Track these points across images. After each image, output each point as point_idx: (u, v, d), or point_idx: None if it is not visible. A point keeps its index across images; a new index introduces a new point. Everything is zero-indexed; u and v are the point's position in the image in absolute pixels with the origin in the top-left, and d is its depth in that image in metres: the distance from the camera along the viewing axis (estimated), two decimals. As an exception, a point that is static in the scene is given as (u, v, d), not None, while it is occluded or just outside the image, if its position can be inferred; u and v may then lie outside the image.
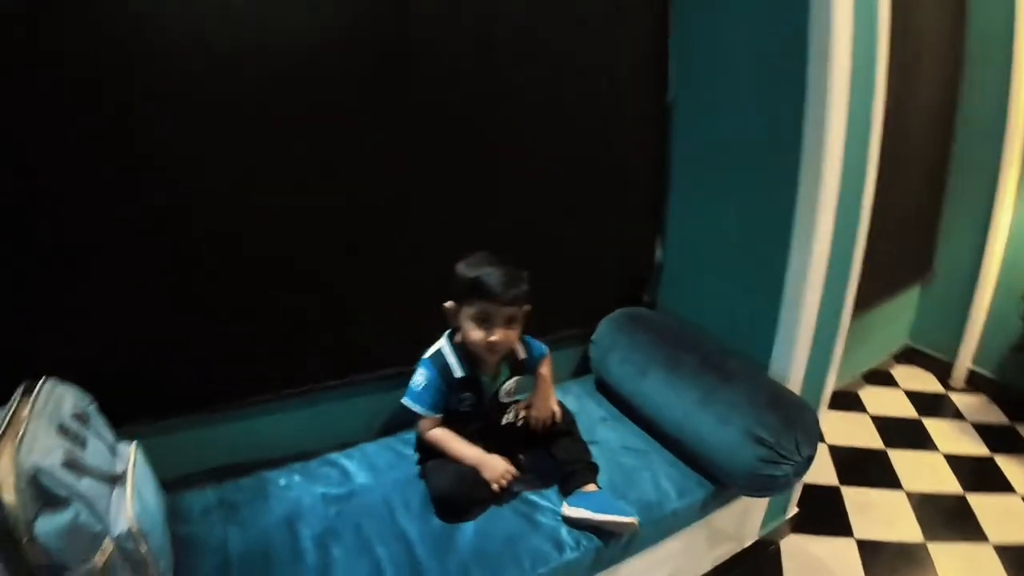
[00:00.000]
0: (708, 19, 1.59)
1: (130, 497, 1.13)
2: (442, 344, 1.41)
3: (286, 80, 1.32)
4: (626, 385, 1.68)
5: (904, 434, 2.32)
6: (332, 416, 1.61)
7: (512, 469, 1.35)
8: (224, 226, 1.37)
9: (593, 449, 1.55)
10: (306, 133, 1.37)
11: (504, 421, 1.46)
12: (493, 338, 1.32)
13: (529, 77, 1.57)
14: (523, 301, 1.33)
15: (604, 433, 1.64)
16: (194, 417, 1.48)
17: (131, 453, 1.24)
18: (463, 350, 1.38)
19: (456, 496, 1.32)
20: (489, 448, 1.40)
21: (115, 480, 1.15)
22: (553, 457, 1.43)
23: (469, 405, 1.40)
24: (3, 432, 1.04)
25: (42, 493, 1.02)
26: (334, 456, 1.54)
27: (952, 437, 2.30)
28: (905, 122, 2.11)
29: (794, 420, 1.37)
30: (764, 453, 1.33)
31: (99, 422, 1.25)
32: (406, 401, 1.40)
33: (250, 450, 1.54)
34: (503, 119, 1.58)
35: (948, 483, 2.07)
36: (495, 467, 1.34)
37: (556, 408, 1.46)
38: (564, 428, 1.46)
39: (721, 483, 1.45)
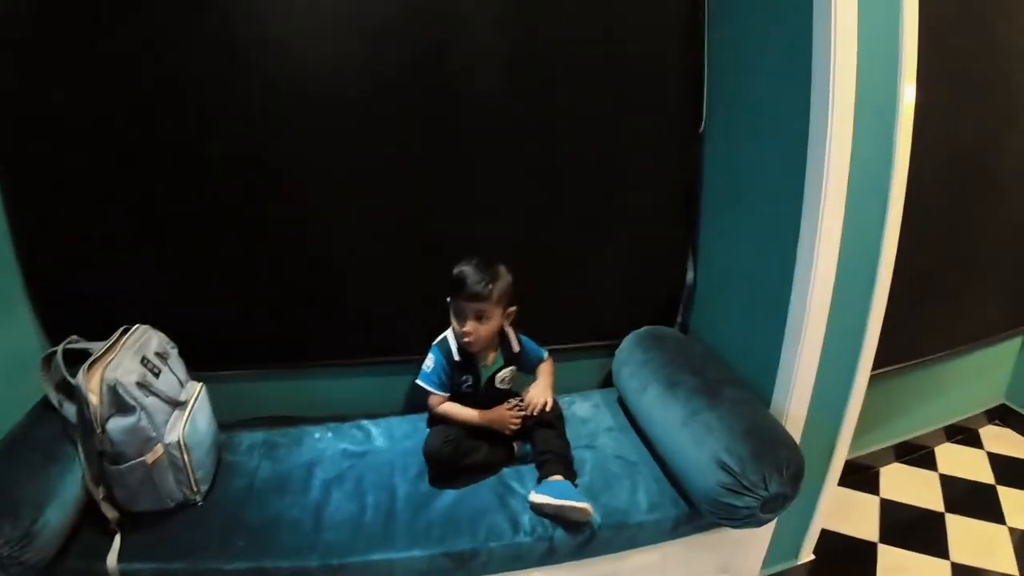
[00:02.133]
0: (739, 46, 1.64)
1: (185, 419, 1.47)
2: (447, 332, 1.62)
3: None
4: (631, 398, 1.77)
5: (972, 500, 2.12)
6: (370, 389, 1.89)
7: (514, 413, 1.60)
8: (302, 214, 1.71)
9: (587, 454, 1.67)
10: (380, 143, 1.68)
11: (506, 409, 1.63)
12: (463, 330, 1.53)
13: (570, 99, 1.73)
14: (487, 298, 1.50)
15: (604, 441, 1.74)
16: (257, 372, 1.84)
17: (196, 390, 1.58)
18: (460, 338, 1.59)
19: (439, 455, 1.52)
20: (486, 430, 1.60)
21: (177, 405, 1.50)
22: (533, 446, 1.58)
23: (469, 387, 1.62)
24: (101, 356, 1.42)
25: (116, 400, 1.37)
26: (365, 422, 1.81)
27: (1029, 513, 2.06)
28: (1004, 145, 1.96)
29: (767, 453, 1.38)
30: (726, 480, 1.36)
31: (177, 362, 1.61)
32: (419, 381, 1.63)
33: (300, 407, 1.86)
34: (545, 137, 1.75)
35: (1004, 561, 1.87)
36: (501, 416, 1.60)
37: (549, 398, 1.61)
38: (549, 420, 1.60)
39: (694, 506, 1.50)
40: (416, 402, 1.87)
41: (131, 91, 1.51)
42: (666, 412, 1.59)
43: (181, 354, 1.64)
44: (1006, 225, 2.11)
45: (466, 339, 1.54)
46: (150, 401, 1.40)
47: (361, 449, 1.69)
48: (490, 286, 1.50)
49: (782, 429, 1.48)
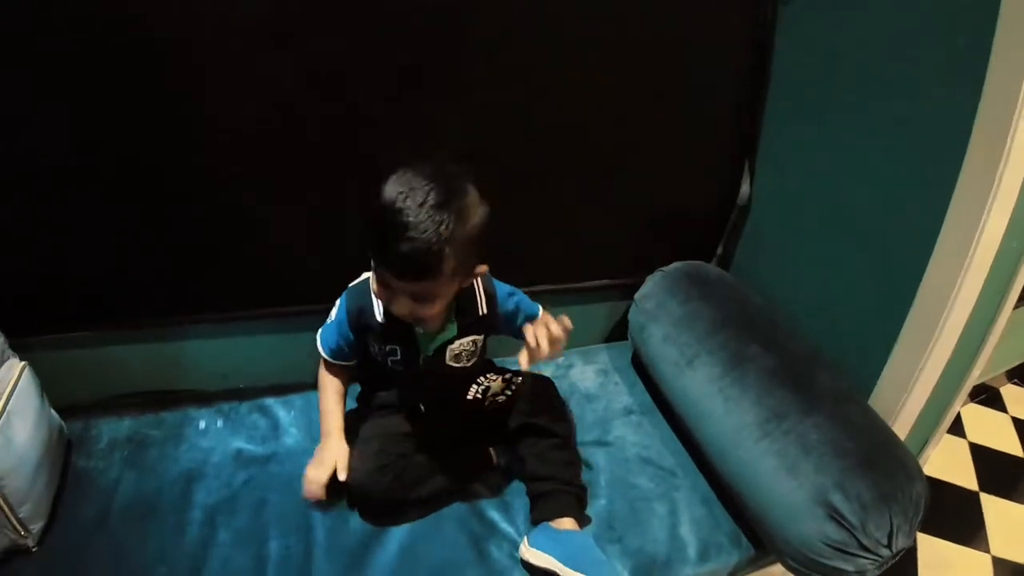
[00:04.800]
0: None
1: None
2: (371, 274, 0.94)
3: None
4: (665, 371, 1.22)
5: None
6: (277, 352, 1.29)
7: (321, 482, 0.97)
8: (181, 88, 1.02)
9: (599, 455, 1.15)
10: None
11: (471, 395, 1.05)
12: (395, 310, 0.89)
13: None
14: (435, 273, 0.81)
15: (622, 432, 1.22)
16: (120, 332, 1.22)
17: (12, 377, 1.01)
18: None
19: (368, 491, 0.98)
20: (443, 434, 1.04)
21: None
22: (522, 464, 1.03)
23: (397, 362, 1.00)
24: None
25: None
26: (270, 401, 1.24)
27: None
28: None
29: (895, 495, 0.88)
30: (836, 536, 0.87)
31: None
32: (318, 337, 1.04)
33: (181, 379, 1.29)
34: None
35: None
36: (315, 468, 0.99)
37: (558, 329, 0.88)
38: (544, 424, 1.04)
39: (765, 548, 1.01)
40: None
41: None
42: (730, 409, 1.05)
43: None
44: None
45: (406, 320, 0.91)
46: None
47: (263, 451, 1.13)
48: (444, 249, 0.78)
49: (905, 451, 0.97)
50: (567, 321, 0.89)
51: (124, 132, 1.04)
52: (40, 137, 1.01)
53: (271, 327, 1.27)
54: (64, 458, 1.09)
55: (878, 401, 1.06)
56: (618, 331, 1.47)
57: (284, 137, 1.11)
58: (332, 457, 0.99)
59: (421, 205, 0.77)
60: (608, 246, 1.38)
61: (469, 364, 1.02)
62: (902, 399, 1.03)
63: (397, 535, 0.99)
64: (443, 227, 0.77)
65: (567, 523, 0.97)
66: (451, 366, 1.00)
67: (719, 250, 1.43)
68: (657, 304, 1.29)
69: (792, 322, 1.20)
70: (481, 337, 1.02)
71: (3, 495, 0.91)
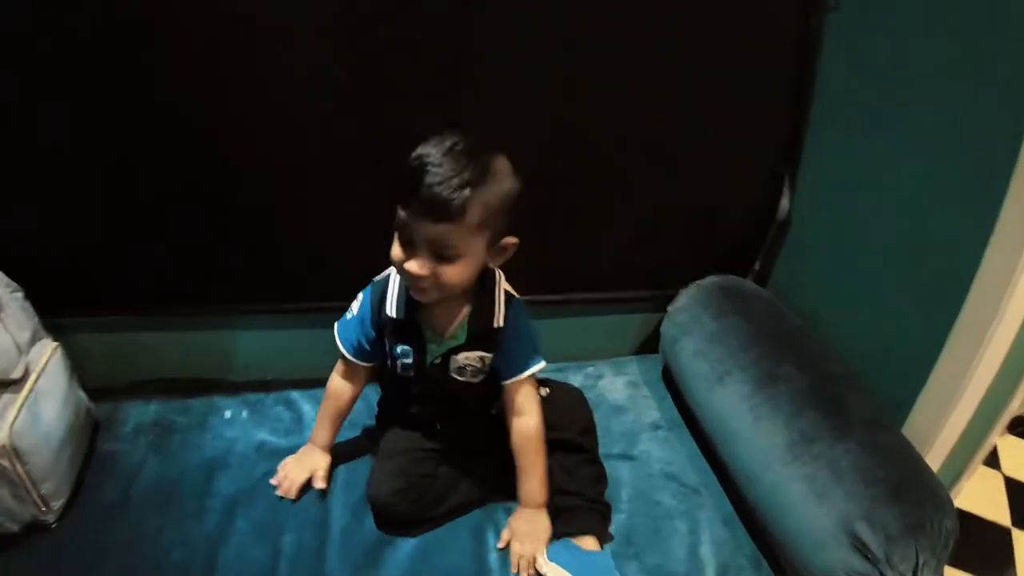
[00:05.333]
0: None
1: (17, 408, 0.95)
2: (392, 270, 0.94)
3: None
4: (695, 387, 1.19)
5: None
6: (304, 346, 1.28)
7: (298, 483, 1.00)
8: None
9: (624, 469, 1.13)
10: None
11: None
12: (406, 268, 0.82)
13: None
14: (457, 213, 0.77)
15: (648, 447, 1.19)
16: (153, 318, 1.26)
17: (45, 357, 1.03)
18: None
19: (388, 508, 0.97)
20: (456, 445, 1.02)
21: (7, 385, 0.97)
22: (549, 476, 0.99)
23: (409, 367, 0.97)
24: None
25: None
26: (296, 395, 1.25)
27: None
28: None
29: (922, 527, 0.83)
30: (861, 567, 0.83)
31: (20, 315, 1.05)
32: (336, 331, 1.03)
33: (210, 367, 1.31)
34: None
35: None
36: (296, 466, 1.02)
37: (538, 552, 0.94)
38: (573, 438, 1.02)
39: (786, 573, 0.97)
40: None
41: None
42: (760, 429, 1.01)
43: (32, 298, 1.08)
44: None
45: (416, 285, 0.85)
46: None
47: (287, 444, 1.13)
48: (467, 191, 0.77)
49: (937, 483, 0.91)
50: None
51: (166, 125, 1.07)
52: (84, 126, 1.05)
53: (303, 322, 1.28)
54: (90, 439, 1.12)
55: (912, 429, 1.01)
56: (650, 343, 1.43)
57: (321, 133, 1.12)
58: (313, 465, 1.01)
59: (449, 150, 0.77)
60: (643, 257, 1.36)
61: (475, 381, 0.98)
62: (937, 428, 0.97)
63: (408, 545, 0.97)
64: (468, 170, 0.77)
65: (589, 541, 0.95)
66: (455, 379, 0.97)
67: (756, 265, 1.39)
68: (690, 318, 1.26)
69: (828, 342, 1.16)
70: (490, 356, 0.96)
71: (27, 470, 0.94)
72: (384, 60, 1.07)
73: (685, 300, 1.30)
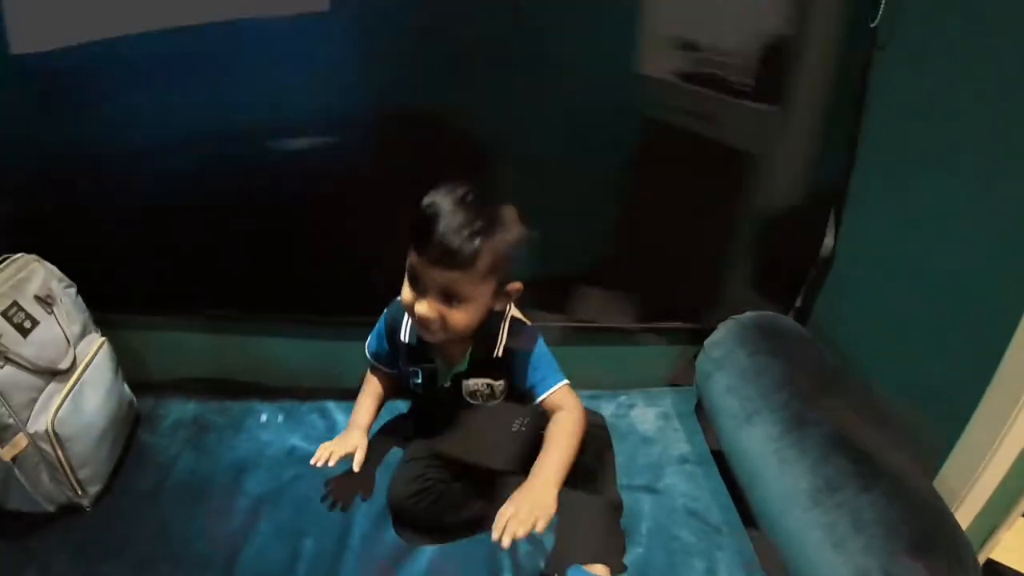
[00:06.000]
0: None
1: (62, 398, 1.01)
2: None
3: None
4: (724, 423, 1.17)
5: None
6: (344, 359, 1.29)
7: (335, 455, 0.97)
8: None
9: (646, 502, 1.12)
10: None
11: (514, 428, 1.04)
12: (416, 310, 0.88)
13: None
14: (467, 263, 0.83)
15: (673, 481, 1.17)
16: (199, 320, 1.32)
17: (93, 350, 1.10)
18: None
19: (406, 510, 1.00)
20: (475, 461, 1.02)
21: (55, 375, 1.03)
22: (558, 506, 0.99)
23: (418, 384, 1.04)
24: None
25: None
26: (331, 405, 1.30)
27: None
28: None
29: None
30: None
31: (72, 308, 1.13)
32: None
33: (251, 371, 1.36)
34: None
35: None
36: (336, 443, 1.00)
37: (537, 523, 0.81)
38: (588, 465, 1.01)
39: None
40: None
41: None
42: (784, 472, 0.98)
43: (84, 293, 1.16)
44: None
45: (424, 326, 0.90)
46: (3, 373, 0.94)
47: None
48: (476, 241, 0.82)
49: (962, 539, 0.86)
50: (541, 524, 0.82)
51: (223, 146, 1.13)
52: (152, 146, 1.12)
53: (345, 335, 1.30)
54: (130, 430, 1.18)
55: (945, 480, 0.96)
56: (686, 375, 1.42)
57: (369, 152, 1.17)
58: (353, 445, 1.01)
59: (460, 200, 0.82)
60: (682, 289, 1.35)
61: (488, 405, 1.02)
62: (971, 481, 0.92)
63: (428, 552, 0.99)
64: (479, 220, 0.83)
65: (601, 570, 0.94)
66: (468, 402, 1.01)
67: (797, 302, 1.36)
68: (725, 352, 1.24)
69: (864, 384, 1.12)
70: (500, 383, 1.00)
71: (67, 455, 1.00)
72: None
73: (722, 334, 1.28)
